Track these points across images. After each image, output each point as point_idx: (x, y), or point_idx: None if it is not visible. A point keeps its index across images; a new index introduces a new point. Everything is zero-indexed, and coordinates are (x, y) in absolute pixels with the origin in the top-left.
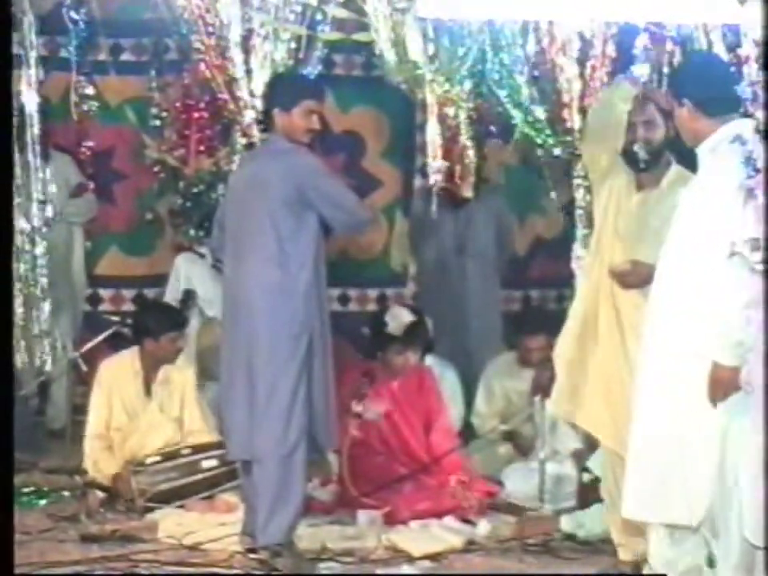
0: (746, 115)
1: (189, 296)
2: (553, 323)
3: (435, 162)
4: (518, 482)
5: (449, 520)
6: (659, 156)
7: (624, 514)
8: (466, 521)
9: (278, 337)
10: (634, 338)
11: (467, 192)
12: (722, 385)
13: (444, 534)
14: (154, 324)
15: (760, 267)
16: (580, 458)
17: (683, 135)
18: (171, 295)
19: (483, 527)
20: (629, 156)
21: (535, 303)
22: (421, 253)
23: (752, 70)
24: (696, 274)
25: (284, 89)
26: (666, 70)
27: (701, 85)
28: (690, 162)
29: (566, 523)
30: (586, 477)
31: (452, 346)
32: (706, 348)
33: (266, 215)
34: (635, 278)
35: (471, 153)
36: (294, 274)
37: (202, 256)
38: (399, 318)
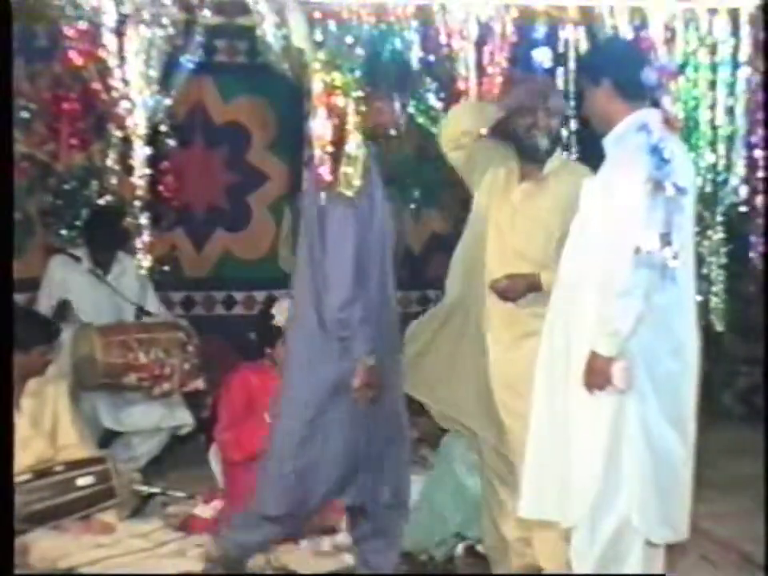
0: (654, 104)
1: (64, 308)
2: None
3: (321, 155)
4: None
5: (343, 536)
6: (557, 144)
7: (520, 513)
8: None
9: None
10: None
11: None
12: (595, 374)
13: (336, 553)
14: (24, 336)
15: (672, 263)
16: None
17: (595, 119)
18: (45, 301)
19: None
20: (525, 144)
21: (433, 304)
22: None
23: (659, 55)
24: (599, 268)
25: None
26: (571, 53)
27: (622, 65)
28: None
29: None
30: None
31: None
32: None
33: None
34: (513, 293)
35: (360, 144)
36: None
37: (77, 259)
38: (287, 310)
